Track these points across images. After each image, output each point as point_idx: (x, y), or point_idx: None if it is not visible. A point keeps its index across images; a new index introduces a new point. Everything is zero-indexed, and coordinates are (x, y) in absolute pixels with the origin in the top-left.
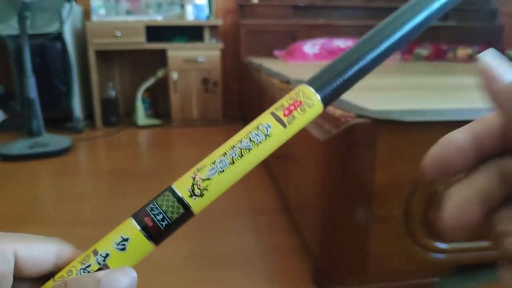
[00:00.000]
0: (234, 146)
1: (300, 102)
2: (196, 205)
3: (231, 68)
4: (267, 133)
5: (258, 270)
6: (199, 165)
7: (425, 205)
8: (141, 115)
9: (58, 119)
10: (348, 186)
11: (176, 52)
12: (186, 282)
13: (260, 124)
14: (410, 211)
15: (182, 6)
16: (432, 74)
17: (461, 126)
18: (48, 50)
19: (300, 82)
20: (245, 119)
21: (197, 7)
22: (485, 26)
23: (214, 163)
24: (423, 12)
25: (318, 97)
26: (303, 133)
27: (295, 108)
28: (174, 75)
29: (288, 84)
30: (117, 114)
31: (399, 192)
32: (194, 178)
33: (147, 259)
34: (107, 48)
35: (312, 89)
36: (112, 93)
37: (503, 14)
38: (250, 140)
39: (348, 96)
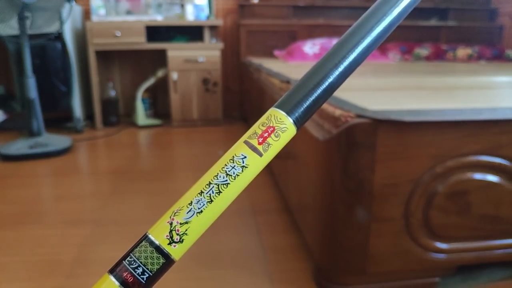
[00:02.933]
0: (210, 183)
1: (274, 128)
2: (176, 252)
3: (231, 68)
4: (243, 164)
5: (258, 270)
6: (174, 208)
7: (425, 205)
8: (141, 115)
9: (58, 119)
10: (348, 186)
11: (176, 52)
12: (187, 281)
13: (235, 155)
14: (410, 211)
15: (182, 6)
16: (432, 74)
17: (461, 126)
18: (48, 50)
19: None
20: (245, 119)
21: (197, 7)
22: (485, 26)
23: (190, 204)
24: (382, 22)
25: (290, 120)
26: (303, 133)
27: (269, 135)
28: (174, 75)
29: (288, 84)
30: (117, 114)
31: (399, 192)
32: (171, 224)
33: None
34: (107, 48)
35: (283, 113)
36: (112, 93)
37: (503, 14)
38: (227, 174)
39: (348, 96)
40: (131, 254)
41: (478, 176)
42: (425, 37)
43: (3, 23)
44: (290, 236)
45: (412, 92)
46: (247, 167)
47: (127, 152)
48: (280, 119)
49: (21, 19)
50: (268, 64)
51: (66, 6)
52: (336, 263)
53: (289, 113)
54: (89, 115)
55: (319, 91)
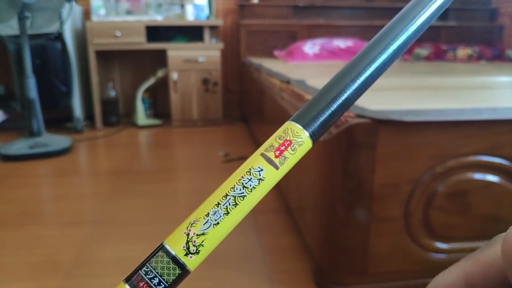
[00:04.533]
0: (227, 195)
1: (291, 142)
2: (192, 263)
3: (231, 68)
4: (260, 177)
5: (258, 270)
6: (191, 219)
7: (425, 205)
8: (141, 115)
9: (58, 119)
10: (348, 186)
11: (176, 52)
12: (186, 281)
13: (252, 167)
14: (410, 211)
15: (182, 6)
16: (432, 74)
17: (461, 126)
18: (48, 50)
19: (300, 82)
20: (245, 119)
21: (197, 7)
22: (485, 26)
23: (207, 215)
24: (399, 39)
25: (307, 134)
26: None
27: (286, 148)
28: (174, 75)
29: (288, 84)
30: (117, 114)
31: (399, 192)
32: (188, 235)
33: None
34: (107, 48)
35: (300, 126)
36: (112, 93)
37: (503, 14)
38: (244, 186)
39: None
40: (147, 264)
41: (478, 176)
42: (425, 37)
43: (3, 23)
44: (290, 236)
45: (412, 92)
46: (263, 180)
47: (127, 152)
48: (297, 132)
49: (21, 19)
50: (268, 64)
51: (66, 6)
52: (336, 263)
53: (305, 127)
54: (89, 115)
55: (335, 105)
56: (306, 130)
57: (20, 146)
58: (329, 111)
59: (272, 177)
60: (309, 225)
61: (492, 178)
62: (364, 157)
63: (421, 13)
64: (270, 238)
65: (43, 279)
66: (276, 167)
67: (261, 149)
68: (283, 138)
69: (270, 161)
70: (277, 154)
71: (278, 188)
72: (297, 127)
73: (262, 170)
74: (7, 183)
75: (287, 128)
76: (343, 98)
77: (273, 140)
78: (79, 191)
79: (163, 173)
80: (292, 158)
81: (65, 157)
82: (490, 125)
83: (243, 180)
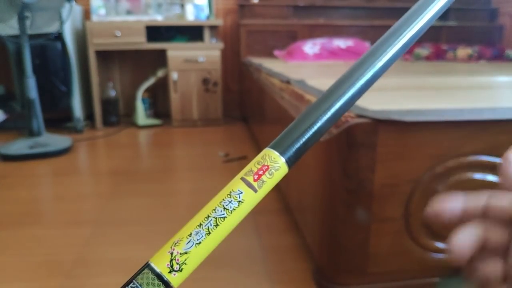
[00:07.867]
0: (209, 216)
1: (268, 167)
2: (175, 280)
3: (231, 68)
4: (239, 199)
5: (258, 270)
6: (175, 238)
7: (425, 205)
8: (141, 115)
9: (58, 119)
10: (348, 186)
11: (176, 52)
12: (186, 281)
13: (232, 190)
14: (410, 211)
15: (182, 6)
16: (432, 74)
17: (461, 126)
18: (48, 50)
19: (300, 82)
20: (245, 119)
21: (197, 7)
22: (485, 26)
23: (190, 235)
24: (366, 75)
25: (283, 159)
26: None
27: (264, 173)
28: (174, 75)
29: (288, 84)
30: (117, 114)
31: (399, 192)
32: (172, 253)
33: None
34: (107, 48)
35: (277, 153)
36: (112, 93)
37: (503, 14)
38: (224, 208)
39: None
40: (134, 280)
41: (478, 176)
42: (425, 37)
43: (3, 23)
44: (290, 236)
45: (412, 92)
46: (243, 202)
47: (127, 152)
48: (274, 158)
49: (21, 19)
50: (268, 64)
51: (66, 6)
52: (336, 263)
53: (282, 153)
54: (89, 115)
55: (308, 134)
56: (283, 156)
57: (20, 146)
58: (303, 140)
59: (251, 199)
60: (309, 225)
61: (492, 178)
62: (364, 157)
63: (388, 50)
64: (270, 238)
65: (44, 279)
66: (255, 190)
67: (241, 174)
68: (262, 163)
69: (250, 185)
70: (255, 178)
71: (278, 188)
72: (274, 153)
73: (241, 193)
74: (7, 183)
75: (265, 154)
76: (315, 128)
77: (252, 165)
78: (79, 191)
79: (163, 173)
80: (269, 181)
81: (65, 157)
82: (490, 125)
83: (224, 203)
